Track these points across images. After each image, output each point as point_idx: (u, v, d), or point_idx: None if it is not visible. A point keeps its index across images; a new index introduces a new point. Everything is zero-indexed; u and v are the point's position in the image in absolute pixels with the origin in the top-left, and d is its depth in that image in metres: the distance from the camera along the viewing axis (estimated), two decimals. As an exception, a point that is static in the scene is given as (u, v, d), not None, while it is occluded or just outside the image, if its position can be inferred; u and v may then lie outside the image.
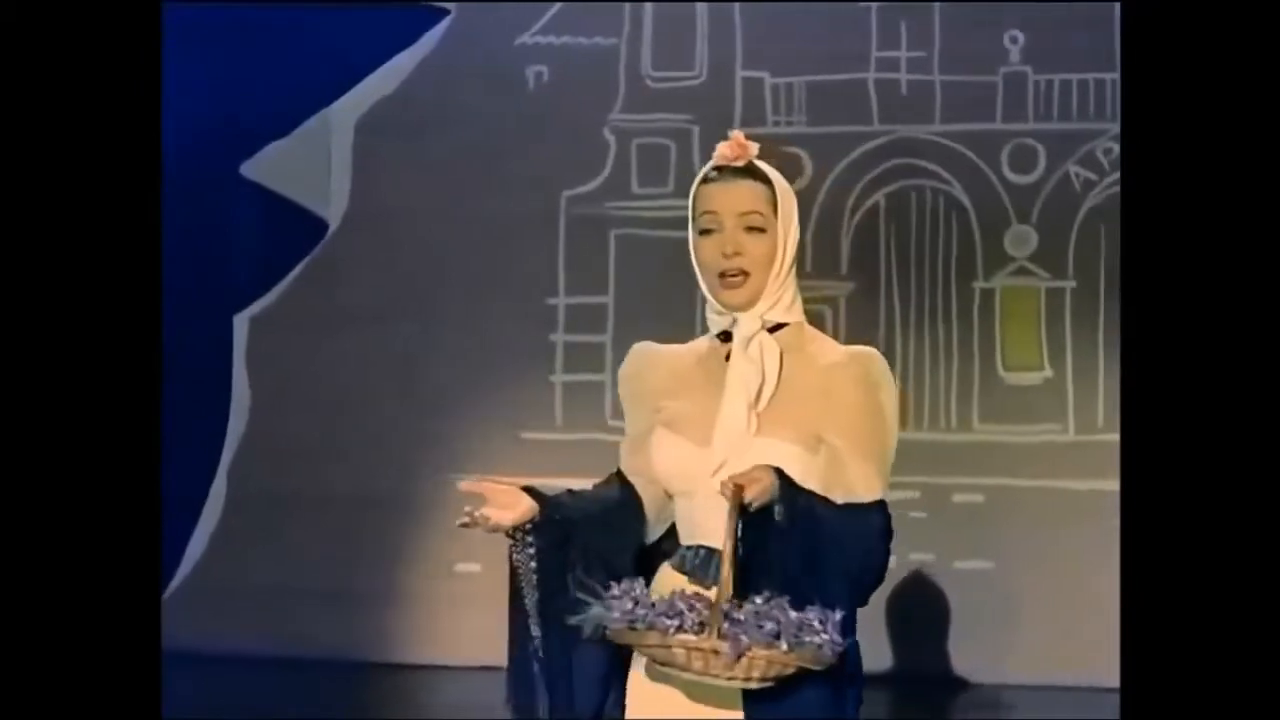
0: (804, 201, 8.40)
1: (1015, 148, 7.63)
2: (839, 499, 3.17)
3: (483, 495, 3.23)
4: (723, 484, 3.01)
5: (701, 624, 2.95)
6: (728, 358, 3.30)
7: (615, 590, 3.06)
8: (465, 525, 3.20)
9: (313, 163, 7.92)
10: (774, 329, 3.31)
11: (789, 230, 3.32)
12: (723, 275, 3.28)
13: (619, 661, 3.25)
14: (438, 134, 7.76)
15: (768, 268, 3.29)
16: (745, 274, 3.28)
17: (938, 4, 7.69)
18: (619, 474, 3.42)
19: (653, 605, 2.99)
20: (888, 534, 3.18)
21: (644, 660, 3.17)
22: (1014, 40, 7.62)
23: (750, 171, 3.32)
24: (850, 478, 3.21)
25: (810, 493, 3.12)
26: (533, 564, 3.27)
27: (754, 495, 3.01)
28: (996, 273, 7.64)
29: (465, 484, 3.24)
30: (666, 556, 3.32)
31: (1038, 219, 7.60)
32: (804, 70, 7.75)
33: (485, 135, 7.73)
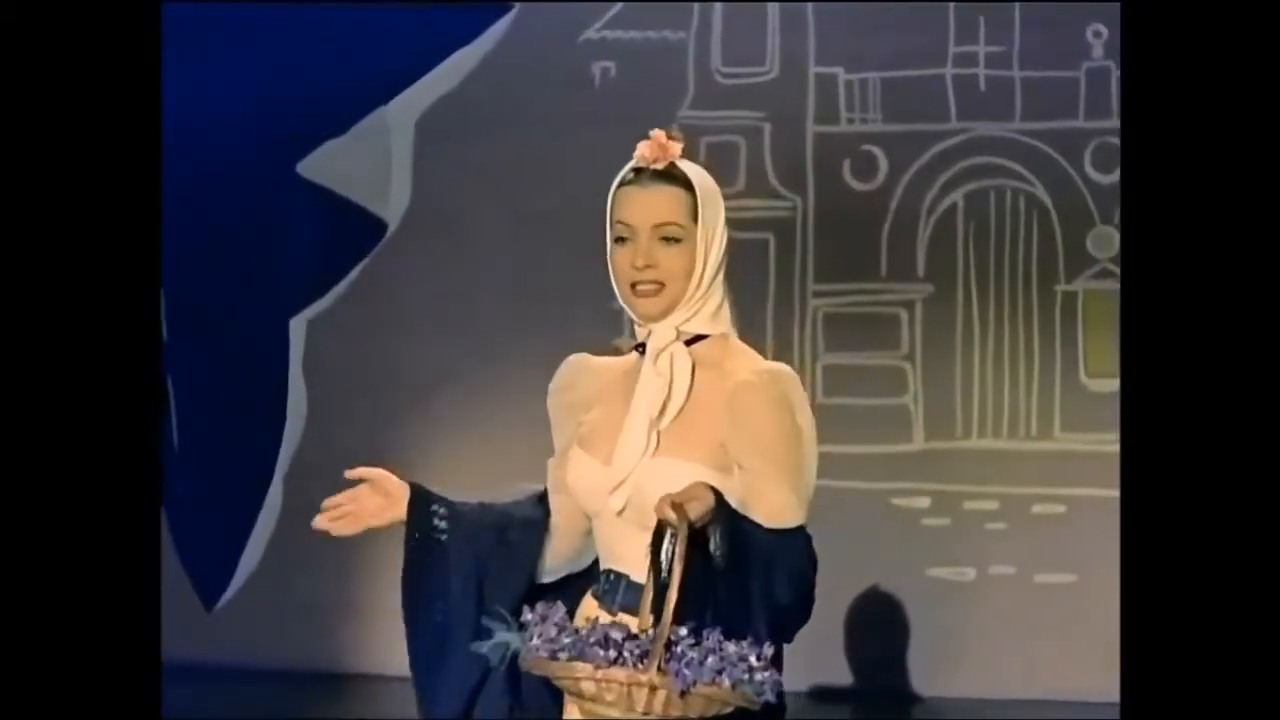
0: (879, 201, 8.28)
1: (1099, 146, 7.41)
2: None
3: (369, 480, 3.16)
4: (659, 504, 2.81)
5: (642, 656, 2.74)
6: None
7: (530, 615, 2.85)
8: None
9: (372, 162, 7.79)
10: (694, 341, 3.14)
11: (711, 239, 3.14)
12: (635, 286, 3.11)
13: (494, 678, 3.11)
14: (500, 132, 7.61)
15: (685, 279, 3.13)
16: (660, 285, 3.11)
17: (1018, -1, 7.52)
18: (541, 493, 3.29)
19: (578, 633, 2.78)
20: (814, 563, 3.00)
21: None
22: (1097, 34, 7.43)
23: (671, 175, 3.14)
24: (769, 503, 3.02)
25: (742, 516, 2.94)
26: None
27: (698, 515, 2.82)
28: (1079, 275, 7.42)
29: (353, 473, 3.15)
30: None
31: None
32: (879, 66, 7.57)
33: (549, 133, 7.58)
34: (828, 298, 7.54)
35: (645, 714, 2.74)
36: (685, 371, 3.11)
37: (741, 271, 8.39)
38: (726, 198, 8.47)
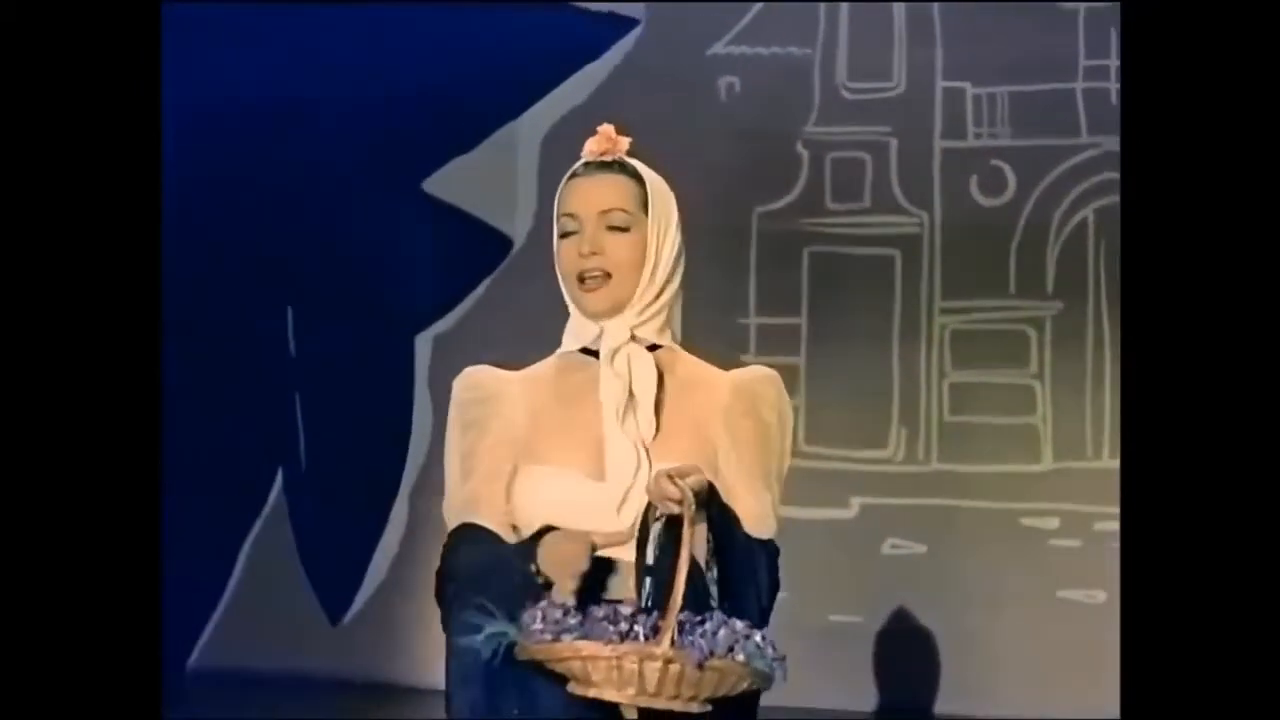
0: (1008, 217, 8.14)
1: (1233, 160, 7.28)
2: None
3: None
4: (658, 480, 2.72)
5: (654, 630, 2.60)
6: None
7: (524, 612, 2.68)
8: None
9: (498, 178, 7.79)
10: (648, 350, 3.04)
11: (664, 235, 3.04)
12: (582, 279, 3.01)
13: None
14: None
15: (634, 271, 3.01)
16: (606, 276, 3.01)
17: (1150, 10, 7.39)
18: (469, 526, 3.02)
19: (582, 612, 2.65)
20: (779, 580, 2.94)
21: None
22: (1231, 47, 7.29)
23: (620, 167, 3.07)
24: (749, 509, 2.94)
25: (729, 510, 2.88)
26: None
27: (699, 488, 2.74)
28: (1212, 293, 7.29)
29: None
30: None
31: (1257, 235, 7.24)
32: (1007, 80, 7.47)
33: (675, 148, 7.53)
34: (955, 315, 7.46)
35: (654, 694, 2.59)
36: (647, 371, 3.01)
37: (868, 288, 8.31)
38: (852, 214, 8.38)
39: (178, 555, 7.67)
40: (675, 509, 2.72)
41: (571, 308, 3.11)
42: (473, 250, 7.80)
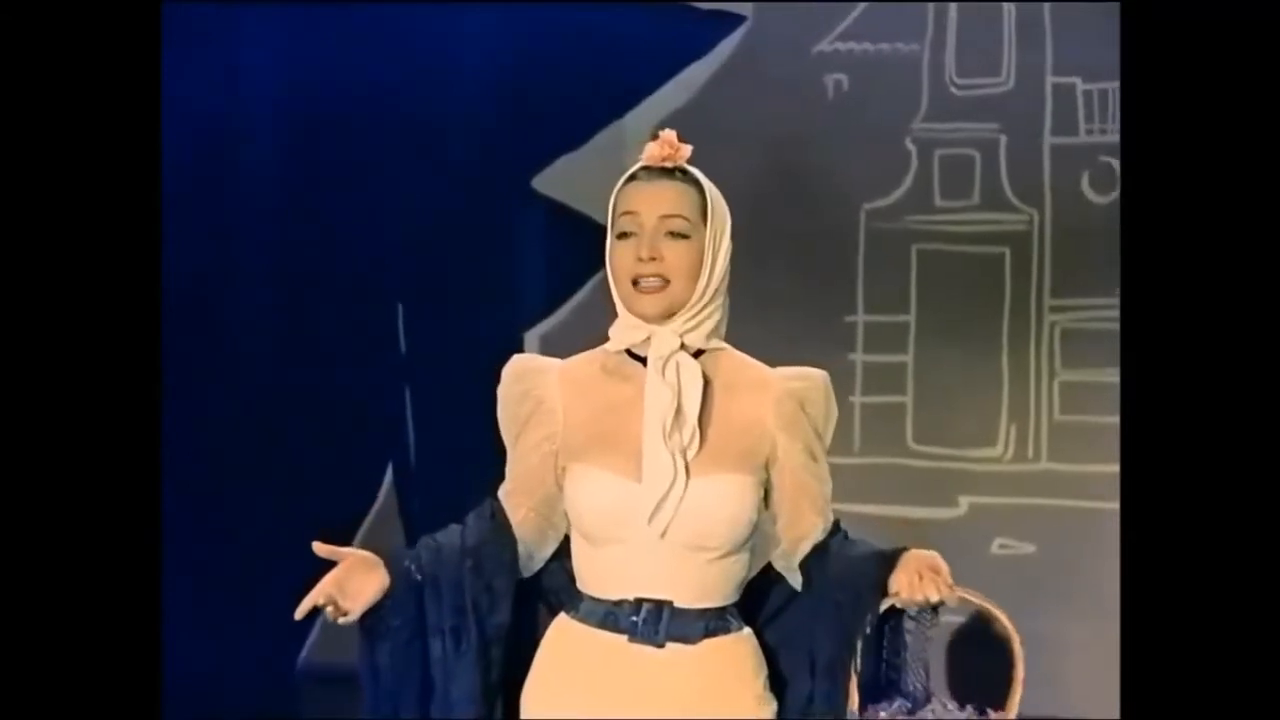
0: (1119, 215, 7.99)
1: (1349, 156, 7.17)
2: (801, 548, 2.97)
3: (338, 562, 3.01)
4: (936, 585, 2.79)
5: None
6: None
7: (894, 709, 2.89)
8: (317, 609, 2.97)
9: (606, 176, 7.73)
10: (694, 355, 3.08)
11: (719, 244, 3.07)
12: (637, 282, 3.03)
13: None
14: (733, 146, 7.57)
15: (691, 279, 3.03)
16: (664, 281, 3.02)
17: (1266, 3, 7.29)
18: (495, 504, 3.24)
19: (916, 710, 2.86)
20: None
21: None
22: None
23: (681, 174, 3.09)
24: (826, 503, 3.06)
25: None
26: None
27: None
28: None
29: (321, 547, 3.01)
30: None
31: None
32: (1118, 75, 7.40)
33: (781, 147, 7.54)
34: (1066, 313, 7.40)
35: None
36: (695, 380, 3.02)
37: (977, 286, 8.26)
38: (961, 211, 8.35)
39: (288, 553, 7.76)
40: (924, 604, 2.79)
41: (620, 308, 3.12)
42: (580, 248, 7.80)
